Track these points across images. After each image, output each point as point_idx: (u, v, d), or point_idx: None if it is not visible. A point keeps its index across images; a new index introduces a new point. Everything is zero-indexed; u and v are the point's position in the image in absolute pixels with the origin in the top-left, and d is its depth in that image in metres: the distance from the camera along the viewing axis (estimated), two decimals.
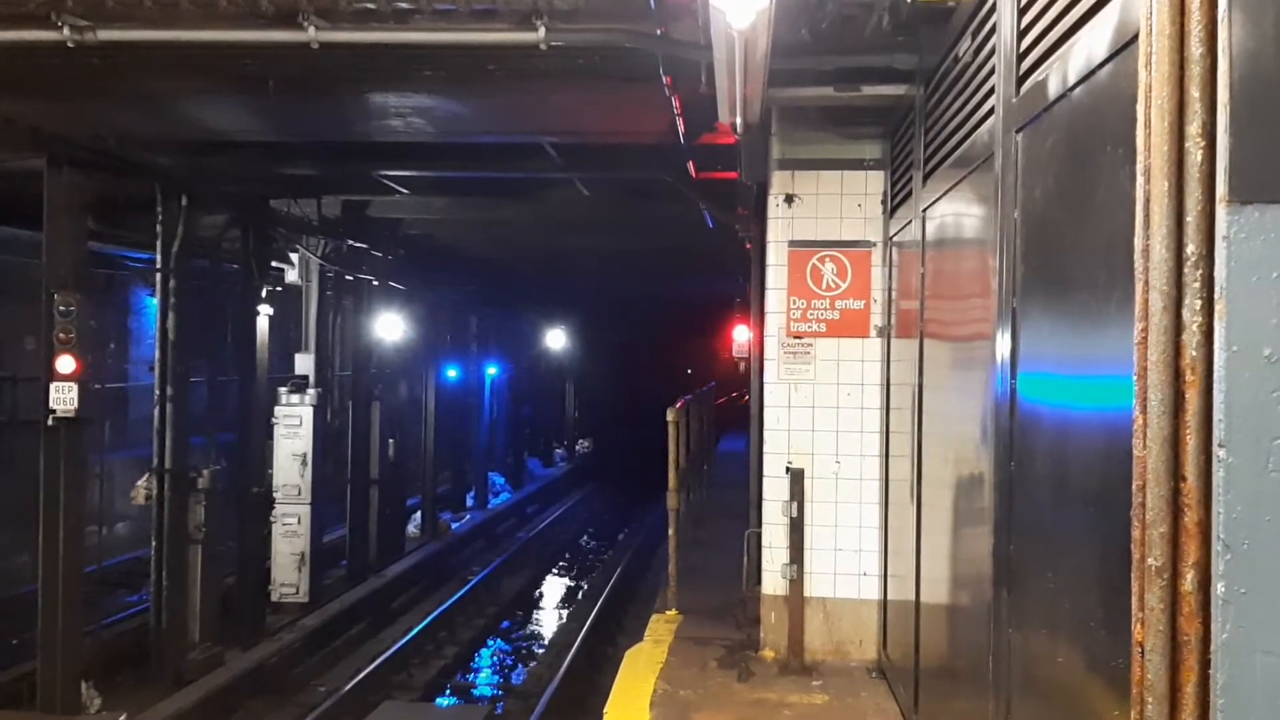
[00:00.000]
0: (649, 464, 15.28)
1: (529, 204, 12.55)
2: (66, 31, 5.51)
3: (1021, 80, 3.38)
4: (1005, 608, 3.38)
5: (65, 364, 8.17)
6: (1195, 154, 1.76)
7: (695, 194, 10.47)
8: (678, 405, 8.50)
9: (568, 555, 18.93)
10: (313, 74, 6.56)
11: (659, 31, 5.54)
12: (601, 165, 10.19)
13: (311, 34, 5.46)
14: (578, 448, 29.95)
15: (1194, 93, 1.76)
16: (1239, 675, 1.60)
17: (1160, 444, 1.83)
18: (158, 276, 9.81)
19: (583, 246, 17.06)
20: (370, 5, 5.35)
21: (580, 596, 15.71)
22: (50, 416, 8.24)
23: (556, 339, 28.60)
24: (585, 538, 20.71)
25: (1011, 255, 3.41)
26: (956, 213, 4.47)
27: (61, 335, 8.19)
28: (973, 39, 4.16)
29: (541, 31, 5.46)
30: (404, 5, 5.35)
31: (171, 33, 5.53)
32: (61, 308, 8.19)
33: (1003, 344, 3.47)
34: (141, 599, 12.21)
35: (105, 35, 5.51)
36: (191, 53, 5.89)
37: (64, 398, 8.16)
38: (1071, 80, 2.80)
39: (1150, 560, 1.86)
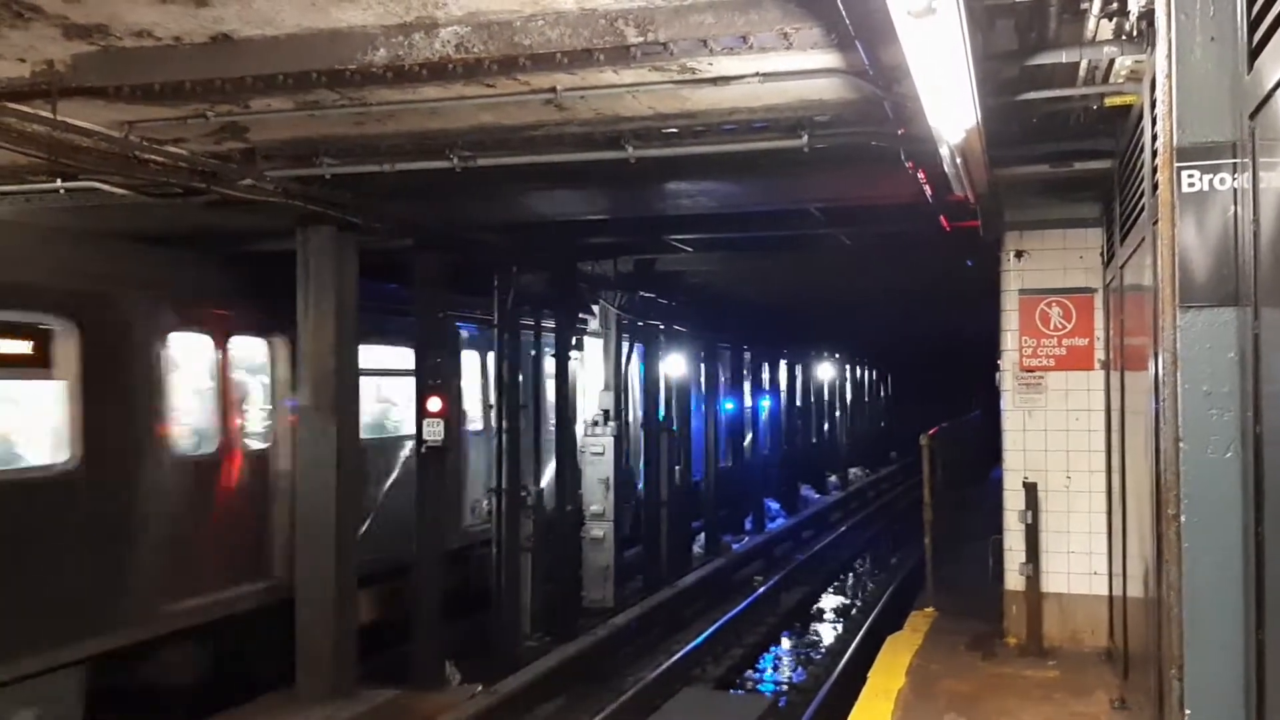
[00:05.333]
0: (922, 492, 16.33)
1: (796, 254, 14.13)
2: (455, 161, 7.53)
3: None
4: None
5: (434, 404, 10.36)
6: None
7: (948, 242, 11.65)
8: (931, 432, 9.77)
9: (842, 575, 20.11)
10: (625, 173, 8.35)
11: (899, 132, 6.91)
12: (860, 221, 11.57)
13: (630, 152, 7.24)
14: (850, 475, 30.97)
15: None
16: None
17: (1171, 443, 3.15)
18: (494, 331, 12.00)
19: (846, 288, 18.42)
20: (674, 130, 7.07)
21: (854, 611, 16.91)
22: (423, 446, 10.43)
23: (826, 372, 29.97)
24: (859, 560, 21.79)
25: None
26: (1137, 265, 5.65)
27: (430, 381, 10.39)
28: (1134, 135, 5.37)
29: (805, 138, 6.97)
30: (699, 128, 7.03)
31: (529, 157, 7.46)
32: (431, 360, 10.41)
33: (1153, 371, 4.67)
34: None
35: (483, 162, 7.50)
36: (539, 166, 7.80)
37: (434, 431, 10.33)
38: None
39: (1170, 509, 3.18)
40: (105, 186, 7.81)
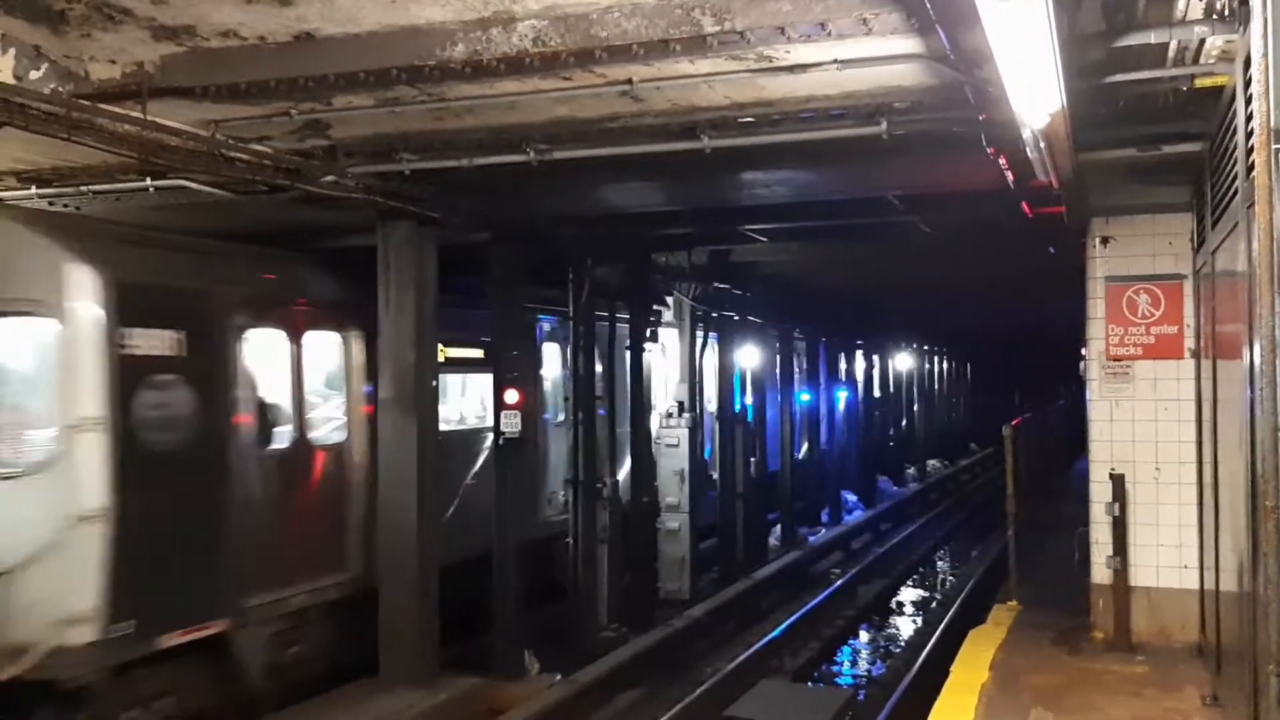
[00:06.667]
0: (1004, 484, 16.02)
1: (874, 242, 13.95)
2: (532, 154, 7.58)
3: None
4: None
5: (511, 396, 10.43)
6: None
7: (1030, 229, 11.40)
8: (1014, 423, 9.61)
9: (921, 569, 19.89)
10: (700, 164, 8.32)
11: (981, 117, 6.78)
12: (940, 208, 11.36)
13: (705, 142, 7.21)
14: (928, 467, 30.56)
15: None
16: None
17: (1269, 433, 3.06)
18: (570, 324, 12.06)
19: (925, 277, 18.15)
20: (750, 119, 7.03)
21: (934, 605, 16.71)
22: (501, 438, 10.51)
23: (904, 362, 29.60)
24: (938, 554, 21.53)
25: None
26: (1230, 250, 5.48)
27: (508, 374, 10.47)
28: (1227, 117, 5.21)
29: (883, 125, 6.88)
30: (776, 117, 6.98)
31: (605, 150, 7.47)
32: (509, 353, 10.49)
33: (1248, 359, 4.51)
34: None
35: (559, 155, 7.53)
36: (614, 158, 7.81)
37: (511, 423, 10.41)
38: None
39: (1268, 501, 3.09)
40: (193, 185, 8.01)
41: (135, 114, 6.37)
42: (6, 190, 8.76)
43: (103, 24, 5.46)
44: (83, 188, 8.51)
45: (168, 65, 6.00)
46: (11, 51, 5.73)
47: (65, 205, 9.03)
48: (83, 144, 6.62)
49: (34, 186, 8.59)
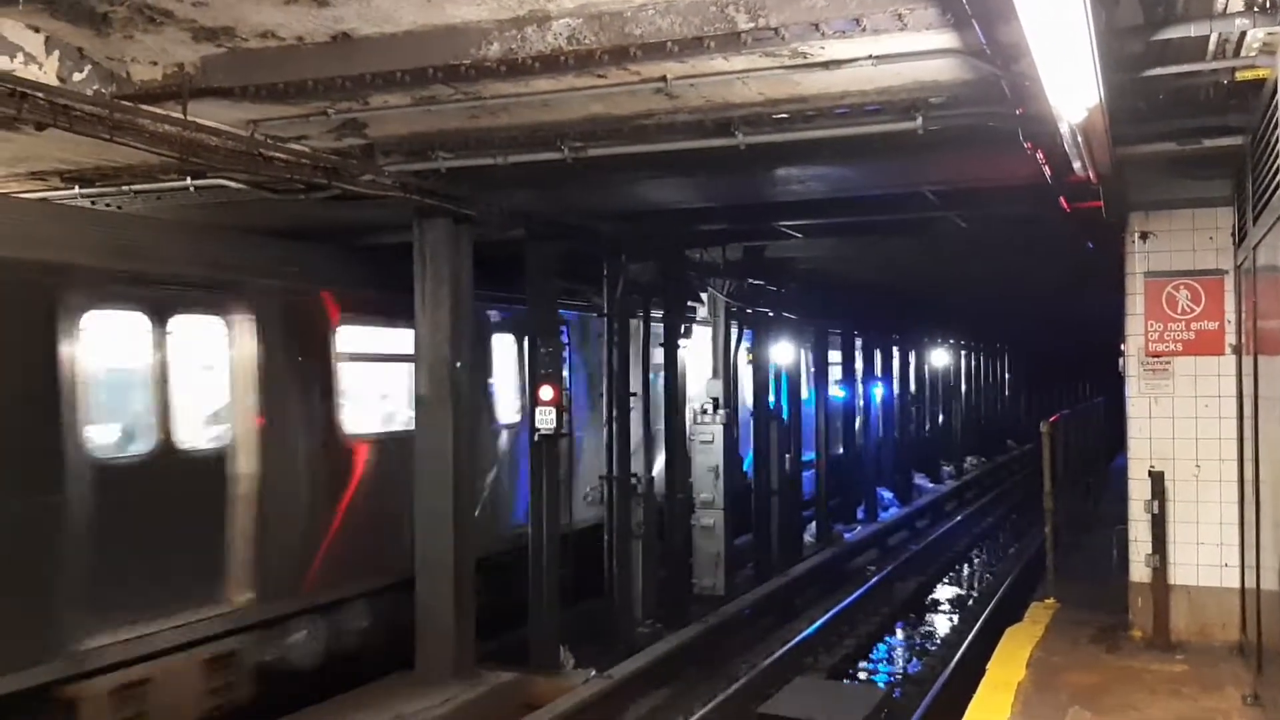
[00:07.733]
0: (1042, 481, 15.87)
1: (909, 238, 13.88)
2: (566, 152, 7.61)
3: None
4: None
5: (546, 393, 10.48)
6: None
7: (1069, 224, 11.30)
8: (1051, 420, 9.53)
9: (957, 566, 19.76)
10: (734, 160, 8.33)
11: (1017, 111, 6.74)
12: (976, 204, 11.28)
13: (740, 139, 7.21)
14: (965, 464, 30.34)
15: None
16: None
17: None
18: (605, 320, 12.08)
19: (962, 272, 18.05)
20: (785, 115, 7.02)
21: (970, 603, 16.61)
22: (536, 434, 10.57)
23: (940, 358, 29.40)
24: (975, 551, 21.37)
25: None
26: (1271, 245, 5.42)
27: (543, 371, 10.52)
28: (1268, 110, 5.15)
29: (919, 120, 6.85)
30: (810, 113, 6.97)
31: (640, 147, 7.49)
32: (543, 350, 10.54)
33: None
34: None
35: (594, 152, 7.56)
36: (649, 155, 7.82)
37: (546, 419, 10.46)
38: None
39: None
40: (232, 184, 8.10)
41: (176, 114, 6.46)
42: (51, 190, 8.91)
43: (144, 26, 5.54)
44: (124, 187, 8.64)
45: (208, 66, 6.08)
46: (56, 54, 5.83)
47: (107, 205, 9.16)
48: (124, 144, 6.70)
49: (77, 186, 8.73)
